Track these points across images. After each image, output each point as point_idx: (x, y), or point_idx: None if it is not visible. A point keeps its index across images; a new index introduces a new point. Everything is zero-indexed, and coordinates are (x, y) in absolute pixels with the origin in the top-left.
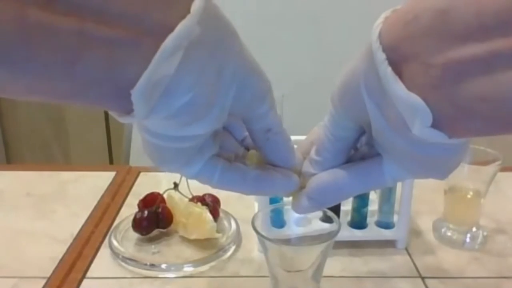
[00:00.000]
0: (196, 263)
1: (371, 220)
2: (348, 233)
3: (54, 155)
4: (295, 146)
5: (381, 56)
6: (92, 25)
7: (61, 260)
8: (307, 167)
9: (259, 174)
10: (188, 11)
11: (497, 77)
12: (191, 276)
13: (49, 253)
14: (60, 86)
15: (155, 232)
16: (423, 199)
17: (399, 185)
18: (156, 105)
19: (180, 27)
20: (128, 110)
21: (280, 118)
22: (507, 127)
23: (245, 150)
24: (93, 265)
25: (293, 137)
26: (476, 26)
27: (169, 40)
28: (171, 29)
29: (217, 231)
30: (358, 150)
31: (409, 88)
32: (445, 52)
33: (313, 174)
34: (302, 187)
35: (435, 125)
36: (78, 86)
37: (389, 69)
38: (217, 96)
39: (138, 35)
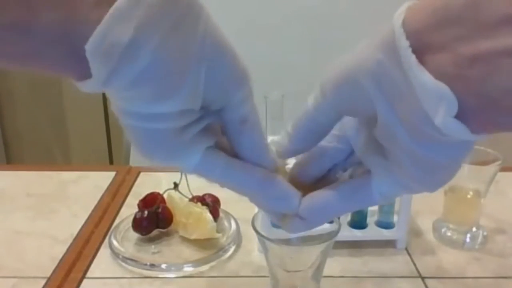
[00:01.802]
0: (196, 263)
1: (371, 220)
2: (348, 233)
3: (54, 155)
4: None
5: (404, 43)
6: None
7: (61, 260)
8: (283, 140)
9: (268, 174)
10: None
11: None
12: (191, 276)
13: (49, 253)
14: (16, 47)
15: (155, 232)
16: (423, 199)
17: None
18: (115, 68)
19: None
20: (87, 74)
21: (257, 112)
22: None
23: None
24: (93, 265)
25: None
26: (508, 17)
27: None
28: None
29: (217, 231)
30: (346, 170)
31: (434, 77)
32: (475, 43)
33: (287, 149)
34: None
35: (459, 117)
36: (35, 46)
37: (413, 56)
38: (185, 72)
39: None
